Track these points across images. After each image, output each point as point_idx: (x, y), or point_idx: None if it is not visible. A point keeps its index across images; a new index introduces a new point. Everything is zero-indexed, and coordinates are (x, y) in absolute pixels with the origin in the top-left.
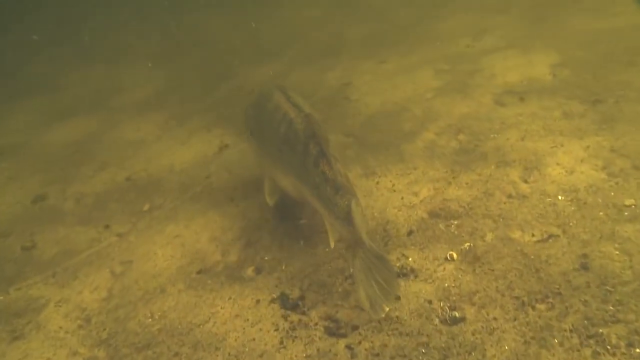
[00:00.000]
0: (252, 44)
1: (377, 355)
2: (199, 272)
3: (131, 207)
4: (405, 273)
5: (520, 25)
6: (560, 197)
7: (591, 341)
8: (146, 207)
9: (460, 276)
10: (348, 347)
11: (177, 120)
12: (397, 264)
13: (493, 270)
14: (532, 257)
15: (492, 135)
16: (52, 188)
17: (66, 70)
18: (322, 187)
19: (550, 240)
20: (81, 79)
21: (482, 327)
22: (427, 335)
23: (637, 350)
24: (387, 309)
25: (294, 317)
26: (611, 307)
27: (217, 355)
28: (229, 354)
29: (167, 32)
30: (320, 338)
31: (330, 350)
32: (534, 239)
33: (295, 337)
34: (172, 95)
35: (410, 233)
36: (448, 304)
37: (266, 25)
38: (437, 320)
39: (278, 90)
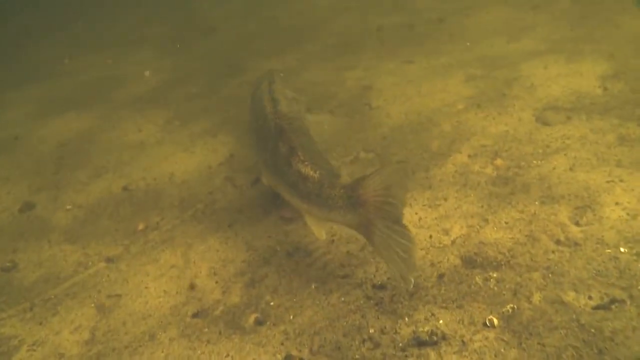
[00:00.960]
0: (265, 33)
1: None
2: (194, 315)
3: (125, 225)
4: (435, 341)
5: (562, 24)
6: (622, 249)
7: None
8: (141, 227)
9: (502, 350)
10: None
11: (180, 120)
12: (425, 328)
13: (544, 345)
14: (593, 330)
15: (534, 162)
16: (42, 195)
17: (69, 56)
18: (301, 185)
19: (614, 308)
20: (84, 66)
21: None
22: None
23: None
24: (412, 279)
25: None
26: None
27: None
28: None
29: (175, 17)
30: None
31: None
32: (592, 302)
33: None
34: (177, 89)
35: (440, 284)
36: None
37: (281, 13)
38: None
39: (266, 79)
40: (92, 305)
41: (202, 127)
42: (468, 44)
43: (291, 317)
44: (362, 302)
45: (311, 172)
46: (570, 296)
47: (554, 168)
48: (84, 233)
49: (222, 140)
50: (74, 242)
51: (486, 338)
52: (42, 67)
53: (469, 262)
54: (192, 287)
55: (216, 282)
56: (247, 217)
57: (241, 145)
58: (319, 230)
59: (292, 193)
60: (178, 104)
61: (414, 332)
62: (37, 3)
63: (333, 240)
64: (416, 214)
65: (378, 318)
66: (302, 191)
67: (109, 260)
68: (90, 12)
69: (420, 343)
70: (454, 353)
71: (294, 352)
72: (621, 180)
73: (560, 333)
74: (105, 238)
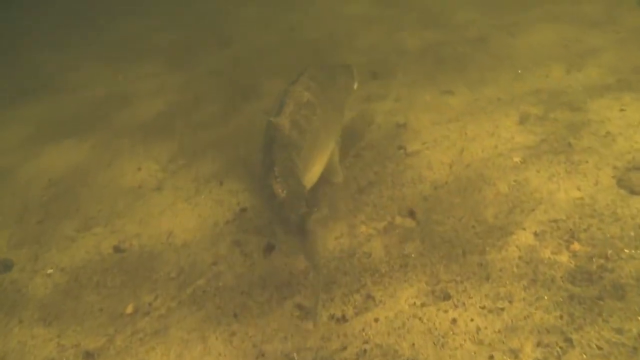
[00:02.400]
0: (283, 48)
1: None
2: None
3: (112, 304)
4: None
5: (632, 47)
6: None
7: None
8: (130, 309)
9: None
10: None
11: (185, 158)
12: None
13: None
14: None
15: (626, 251)
16: (21, 252)
17: (74, 66)
18: (271, 200)
19: None
20: (89, 79)
21: None
22: None
23: None
24: None
25: None
26: None
27: None
28: None
29: (189, 25)
30: None
31: None
32: None
33: None
34: (185, 116)
35: None
36: None
37: (300, 24)
38: None
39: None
40: None
41: (209, 169)
42: (519, 71)
43: None
44: None
45: (279, 191)
46: None
47: None
48: (63, 311)
49: (230, 188)
50: (49, 323)
51: None
52: (43, 77)
53: None
54: None
55: None
56: (256, 303)
57: (252, 195)
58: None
59: (265, 204)
60: (184, 134)
61: None
62: (45, 6)
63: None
64: (472, 320)
65: None
66: (271, 206)
67: (87, 355)
68: (100, 17)
69: None
70: None
71: None
72: None
73: None
74: (87, 322)
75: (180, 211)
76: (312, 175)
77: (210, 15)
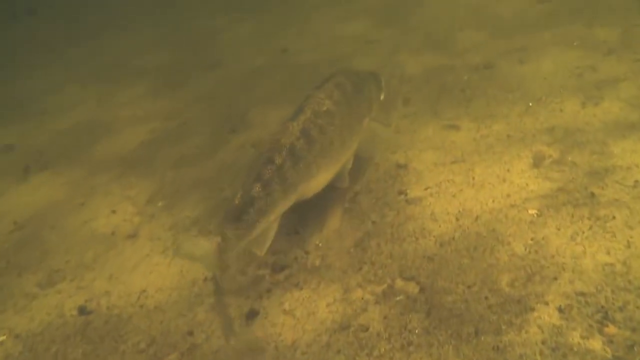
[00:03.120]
0: (275, 71)
1: None
2: None
3: None
4: None
5: None
6: None
7: None
8: None
9: None
10: None
11: (165, 199)
12: None
13: None
14: None
15: None
16: None
17: (57, 88)
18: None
19: None
20: (69, 104)
21: None
22: None
23: None
24: None
25: None
26: None
27: None
28: None
29: (178, 46)
30: None
31: None
32: None
33: None
34: (168, 147)
35: None
36: None
37: (292, 44)
38: None
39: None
40: None
41: (190, 213)
42: (530, 104)
43: None
44: None
45: (242, 201)
46: None
47: None
48: None
49: (211, 239)
50: None
51: None
52: (21, 101)
53: None
54: None
55: None
56: None
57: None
58: None
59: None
60: (165, 170)
61: None
62: (31, 24)
63: None
64: None
65: None
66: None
67: None
68: (90, 35)
69: None
70: None
71: None
72: None
73: None
74: None
75: (155, 266)
76: (312, 185)
77: (201, 33)
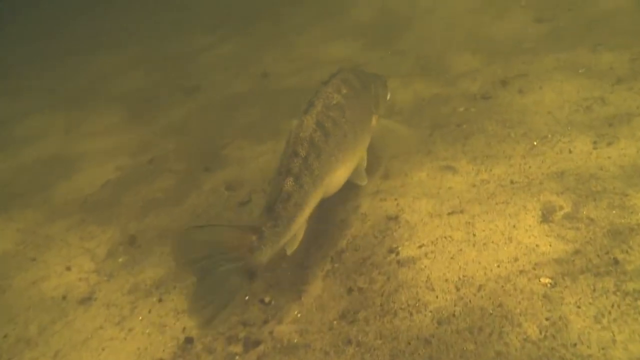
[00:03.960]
0: (255, 98)
1: None
2: None
3: None
4: None
5: None
6: None
7: None
8: None
9: None
10: None
11: (127, 252)
12: None
13: None
14: None
15: None
16: None
17: (25, 116)
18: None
19: None
20: (36, 134)
21: None
22: None
23: None
24: None
25: None
26: None
27: None
28: None
29: (155, 68)
30: None
31: None
32: None
33: None
34: (137, 188)
35: None
36: None
37: (274, 67)
38: None
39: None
40: None
41: (153, 273)
42: (535, 143)
43: None
44: None
45: (273, 200)
46: None
47: None
48: None
49: (175, 307)
50: None
51: None
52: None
53: None
54: None
55: None
56: None
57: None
58: None
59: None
60: (130, 219)
61: None
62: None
63: None
64: None
65: None
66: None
67: None
68: (68, 54)
69: None
70: None
71: None
72: None
73: None
74: None
75: (108, 341)
76: (334, 179)
77: (180, 54)
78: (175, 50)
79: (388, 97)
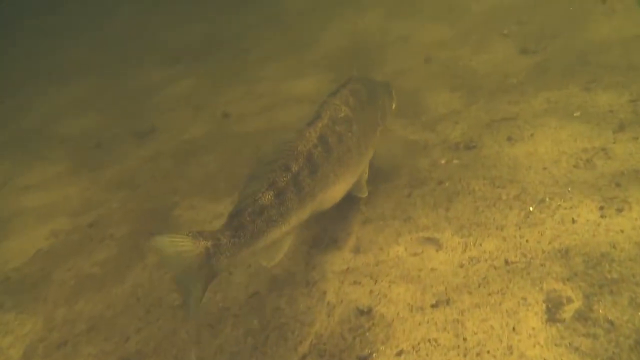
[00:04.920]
0: (217, 142)
1: None
2: None
3: None
4: None
5: None
6: None
7: None
8: None
9: None
10: None
11: (48, 355)
12: None
13: None
14: None
15: None
16: None
17: None
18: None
19: None
20: None
21: None
22: None
23: None
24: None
25: None
26: None
27: None
28: None
29: (109, 104)
30: None
31: None
32: None
33: None
34: (69, 262)
35: None
36: None
37: (239, 106)
38: None
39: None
40: None
41: None
42: (530, 208)
43: None
44: None
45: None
46: None
47: None
48: None
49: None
50: None
51: None
52: None
53: None
54: None
55: None
56: None
57: None
58: None
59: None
60: (59, 301)
61: None
62: None
63: None
64: None
65: None
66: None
67: None
68: (8, 93)
69: None
70: None
71: None
72: None
73: None
74: None
75: None
76: (330, 195)
77: (137, 90)
78: (131, 85)
79: (393, 107)
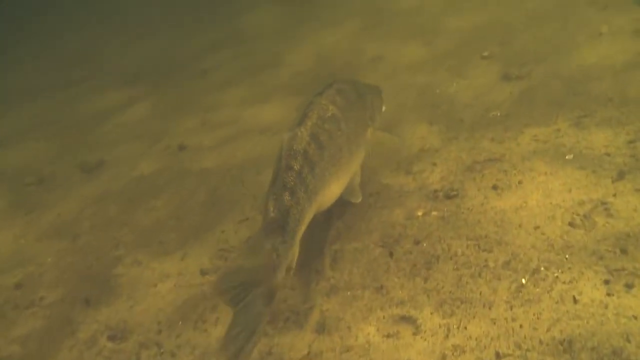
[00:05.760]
0: (170, 181)
1: None
2: None
3: None
4: None
5: None
6: None
7: None
8: None
9: None
10: None
11: None
12: None
13: None
14: None
15: None
16: None
17: None
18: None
19: None
20: None
21: None
22: None
23: None
24: None
25: None
26: None
27: None
28: None
29: (54, 132)
30: None
31: None
32: None
33: None
34: None
35: None
36: None
37: (196, 135)
38: None
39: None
40: None
41: None
42: (523, 280)
43: None
44: None
45: (267, 213)
46: None
47: None
48: None
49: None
50: None
51: None
52: None
53: None
54: None
55: None
56: None
57: None
58: None
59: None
60: None
61: None
62: None
63: None
64: None
65: None
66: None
67: None
68: None
69: None
70: None
71: None
72: None
73: None
74: None
75: None
76: (327, 194)
77: (87, 116)
78: (82, 110)
79: (383, 109)
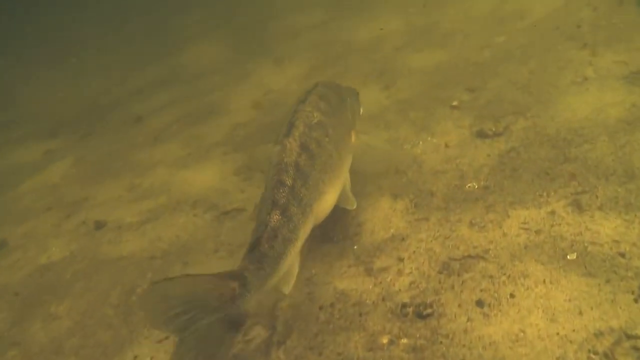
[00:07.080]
0: (78, 276)
1: None
2: None
3: None
4: None
5: None
6: None
7: None
8: None
9: None
10: None
11: None
12: None
13: None
14: None
15: None
16: None
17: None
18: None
19: None
20: None
21: None
22: None
23: None
24: None
25: None
26: None
27: None
28: None
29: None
30: None
31: None
32: None
33: None
34: None
35: None
36: None
37: (120, 208)
38: None
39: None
40: None
41: None
42: None
43: None
44: None
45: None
46: None
47: None
48: None
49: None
50: None
51: None
52: None
53: None
54: None
55: None
56: None
57: None
58: None
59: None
60: None
61: None
62: None
63: None
64: None
65: None
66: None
67: None
68: None
69: None
70: None
71: None
72: None
73: None
74: None
75: None
76: (323, 205)
77: (3, 174)
78: None
79: (361, 111)
